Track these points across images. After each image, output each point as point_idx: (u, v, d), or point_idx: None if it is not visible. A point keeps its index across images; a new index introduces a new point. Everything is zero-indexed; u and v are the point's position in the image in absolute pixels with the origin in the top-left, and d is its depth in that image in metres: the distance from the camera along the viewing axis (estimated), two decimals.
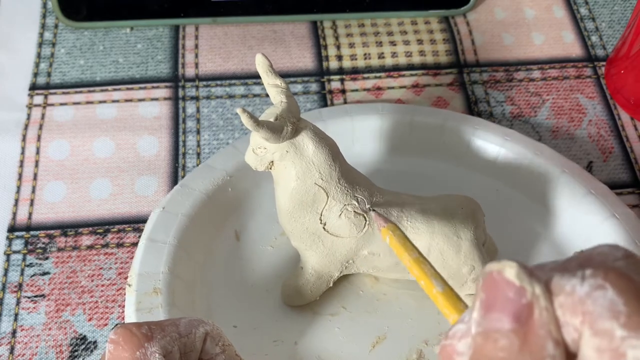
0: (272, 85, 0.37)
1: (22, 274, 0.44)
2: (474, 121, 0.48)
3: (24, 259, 0.45)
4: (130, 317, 0.39)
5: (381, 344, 0.41)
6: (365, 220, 0.39)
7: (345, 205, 0.38)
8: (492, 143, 0.47)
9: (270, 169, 0.38)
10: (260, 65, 0.38)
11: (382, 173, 0.47)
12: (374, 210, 0.38)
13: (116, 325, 0.43)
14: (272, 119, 0.36)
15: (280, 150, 0.37)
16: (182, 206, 0.43)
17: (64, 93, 0.53)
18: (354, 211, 0.38)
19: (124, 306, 0.43)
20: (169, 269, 0.41)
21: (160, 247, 0.41)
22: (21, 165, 0.49)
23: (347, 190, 0.38)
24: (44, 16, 0.57)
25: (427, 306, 0.42)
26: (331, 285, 0.41)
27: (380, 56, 0.55)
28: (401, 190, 0.42)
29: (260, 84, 0.54)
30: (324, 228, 0.39)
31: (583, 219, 0.44)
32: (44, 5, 0.58)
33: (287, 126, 0.36)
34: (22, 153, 0.49)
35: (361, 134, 0.48)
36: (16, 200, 0.47)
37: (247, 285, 0.43)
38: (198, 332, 0.32)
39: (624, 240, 0.42)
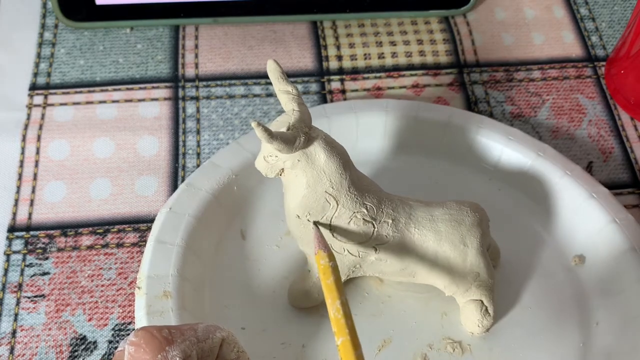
0: (284, 92, 0.37)
1: (22, 274, 0.44)
2: (479, 119, 0.48)
3: (24, 259, 0.45)
4: (141, 320, 0.39)
5: (387, 347, 0.41)
6: (374, 227, 0.38)
7: (354, 212, 0.38)
8: (496, 142, 0.47)
9: (281, 175, 0.38)
10: (271, 71, 0.37)
11: (386, 170, 0.47)
12: (316, 225, 0.38)
13: (131, 329, 0.43)
14: (284, 129, 0.36)
15: (291, 159, 0.37)
16: (188, 206, 0.43)
17: (64, 93, 0.53)
18: (363, 219, 0.38)
19: (124, 306, 0.43)
20: (177, 271, 0.41)
21: (169, 249, 0.41)
22: (21, 165, 0.49)
23: (357, 198, 0.38)
24: (44, 16, 0.57)
25: (431, 309, 0.42)
26: None
27: (380, 56, 0.55)
28: (405, 187, 0.42)
29: (260, 84, 0.54)
30: (332, 235, 0.39)
31: (584, 223, 0.44)
32: (44, 5, 0.58)
33: (300, 137, 0.36)
34: (22, 153, 0.49)
35: (365, 130, 0.48)
36: (16, 200, 0.47)
37: (254, 287, 0.43)
38: (215, 338, 0.32)
39: (624, 246, 0.42)
